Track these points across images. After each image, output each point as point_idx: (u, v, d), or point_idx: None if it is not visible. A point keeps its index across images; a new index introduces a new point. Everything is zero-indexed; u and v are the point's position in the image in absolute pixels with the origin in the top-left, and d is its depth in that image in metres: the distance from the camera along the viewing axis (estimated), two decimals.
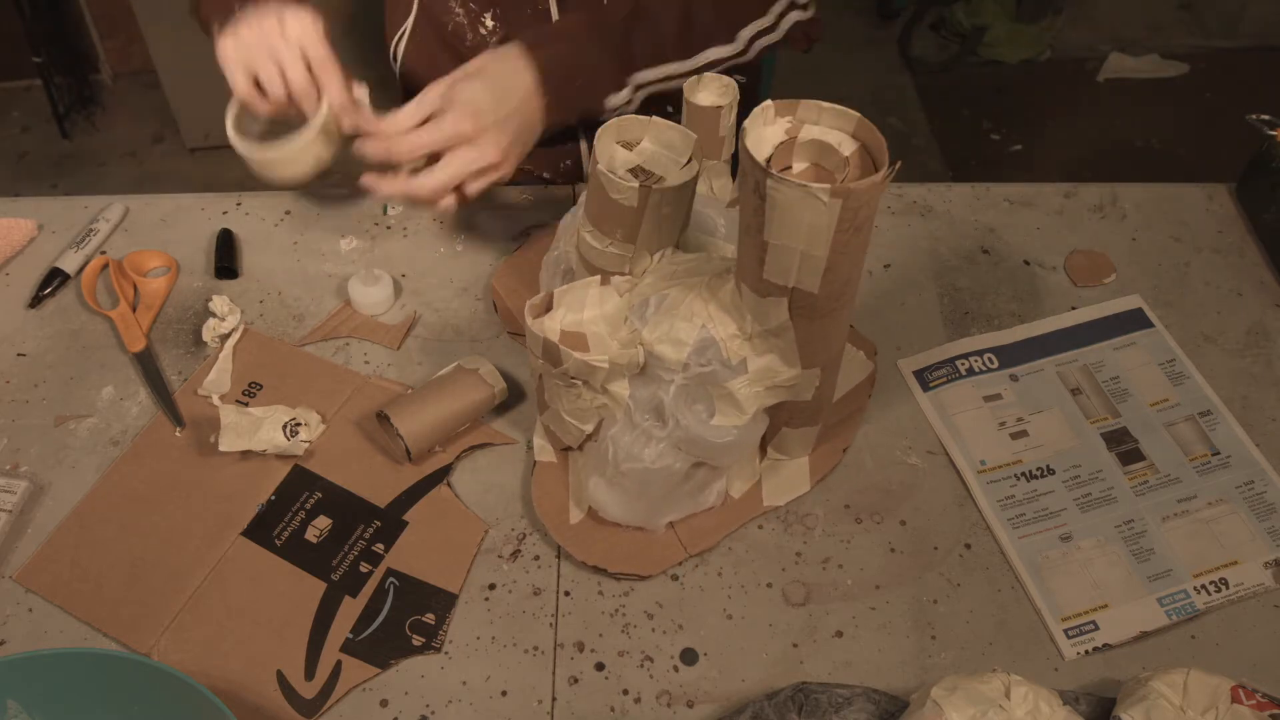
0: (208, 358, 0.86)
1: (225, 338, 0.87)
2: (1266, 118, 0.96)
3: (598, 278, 0.71)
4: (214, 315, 0.88)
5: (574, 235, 0.82)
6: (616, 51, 0.87)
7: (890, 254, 0.95)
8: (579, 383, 0.70)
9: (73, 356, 0.87)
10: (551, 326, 0.69)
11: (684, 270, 0.72)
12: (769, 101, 0.63)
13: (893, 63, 2.60)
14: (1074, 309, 0.92)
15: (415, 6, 1.02)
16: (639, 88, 0.90)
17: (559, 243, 0.85)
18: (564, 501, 0.77)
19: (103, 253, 0.95)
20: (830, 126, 0.63)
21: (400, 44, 1.05)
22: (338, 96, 0.82)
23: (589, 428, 0.73)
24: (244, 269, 0.94)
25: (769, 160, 0.61)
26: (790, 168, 0.63)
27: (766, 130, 0.63)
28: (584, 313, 0.70)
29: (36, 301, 0.91)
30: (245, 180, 0.94)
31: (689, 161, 0.70)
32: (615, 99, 0.89)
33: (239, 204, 0.99)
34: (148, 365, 0.86)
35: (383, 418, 0.79)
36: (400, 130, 0.81)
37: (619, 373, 0.70)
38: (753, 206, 0.60)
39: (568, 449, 0.79)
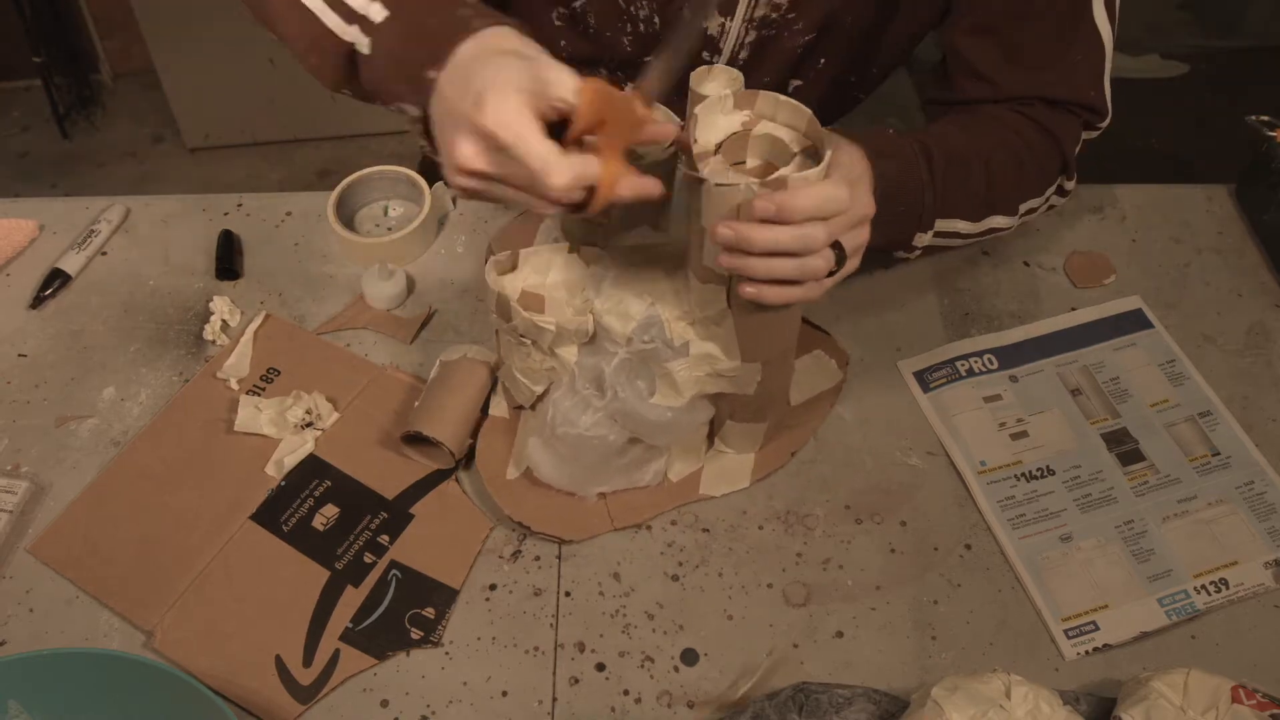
0: (220, 349, 0.87)
1: (225, 329, 0.88)
2: (1266, 118, 0.96)
3: (566, 245, 0.73)
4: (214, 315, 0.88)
5: None
6: (936, 188, 0.77)
7: (890, 255, 0.95)
8: (529, 342, 0.72)
9: (73, 357, 0.87)
10: (513, 285, 0.72)
11: (653, 251, 0.74)
12: (728, 91, 0.64)
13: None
14: (1074, 310, 0.92)
15: None
16: (937, 234, 0.80)
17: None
18: (505, 456, 0.79)
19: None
20: (784, 122, 0.64)
21: None
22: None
23: (539, 389, 0.75)
24: (245, 270, 0.94)
25: (719, 146, 0.63)
26: (744, 161, 0.65)
27: (721, 119, 0.64)
28: (548, 276, 0.73)
29: (37, 302, 0.91)
30: (245, 180, 0.94)
31: (671, 144, 0.70)
32: (921, 239, 0.79)
33: (240, 204, 0.99)
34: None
35: (410, 439, 0.79)
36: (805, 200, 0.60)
37: (568, 338, 0.72)
38: (691, 193, 0.62)
39: (519, 407, 0.80)
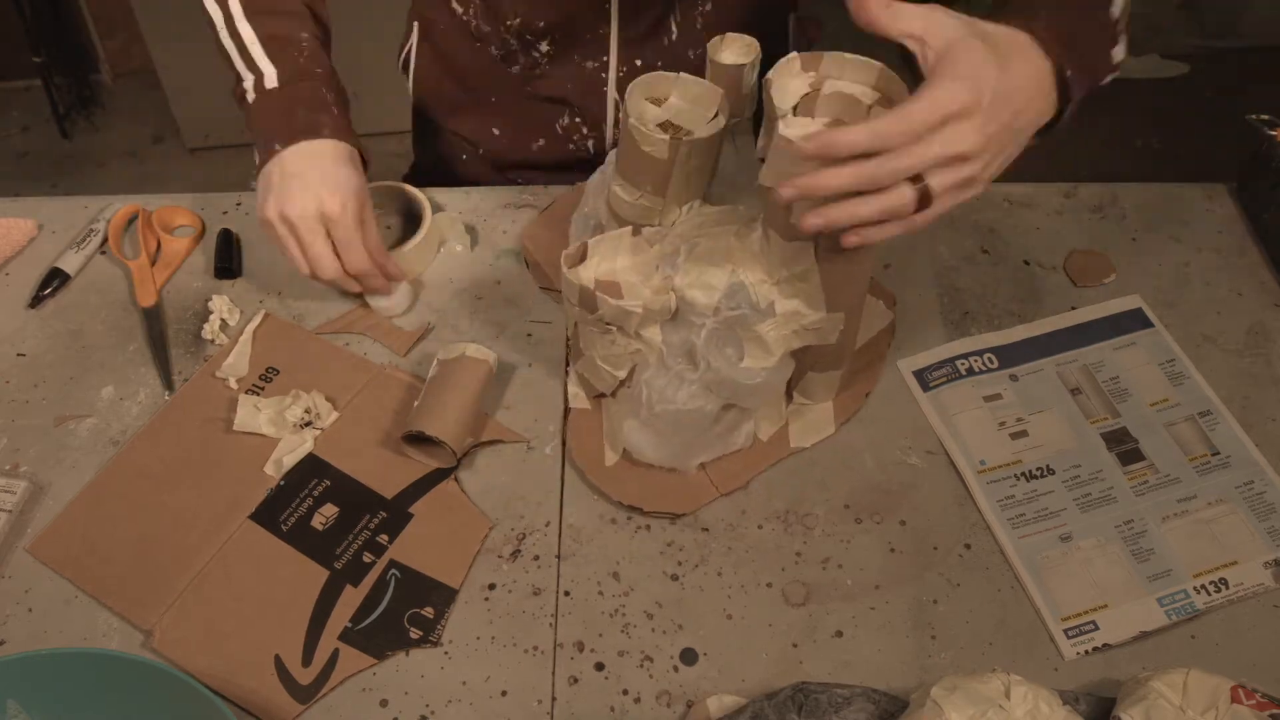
0: (219, 349, 0.87)
1: (224, 327, 0.88)
2: (1266, 118, 0.96)
3: (629, 229, 0.74)
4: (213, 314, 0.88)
5: (603, 193, 0.85)
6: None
7: (890, 254, 0.95)
8: (613, 329, 0.74)
9: (73, 356, 0.87)
10: (586, 275, 0.73)
11: (712, 221, 0.75)
12: (794, 54, 0.65)
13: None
14: (1074, 309, 0.92)
15: (415, 30, 1.02)
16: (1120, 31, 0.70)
17: (587, 200, 0.87)
18: (598, 445, 0.80)
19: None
20: (853, 80, 0.65)
21: (410, 62, 1.05)
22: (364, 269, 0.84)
23: (622, 374, 0.77)
24: (244, 269, 0.94)
25: (795, 109, 0.64)
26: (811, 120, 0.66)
27: (791, 82, 0.65)
28: (617, 262, 0.74)
29: (36, 301, 0.91)
30: (245, 180, 0.95)
31: (715, 116, 0.73)
32: (1118, 51, 0.69)
33: (239, 204, 0.99)
34: (154, 321, 0.88)
35: (411, 438, 0.79)
36: (914, 121, 0.56)
37: (652, 318, 0.73)
38: (776, 155, 0.62)
39: (600, 395, 0.81)
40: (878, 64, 0.64)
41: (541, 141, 1.03)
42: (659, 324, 0.74)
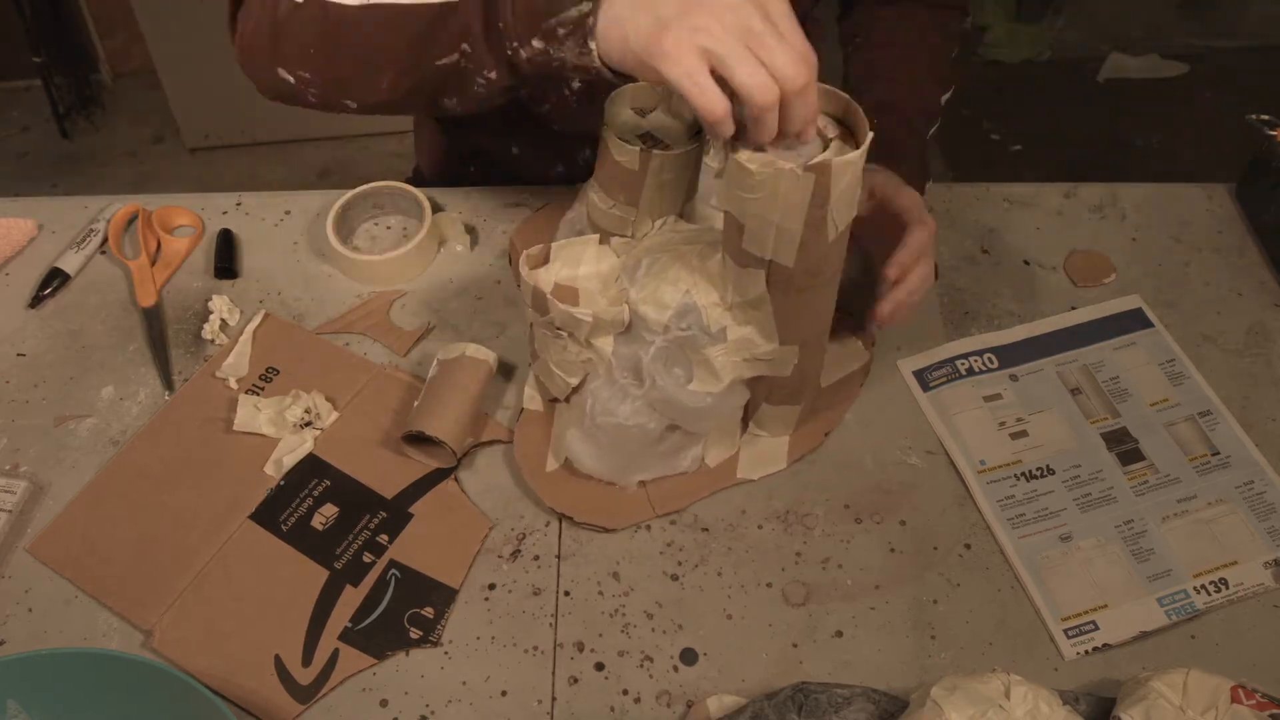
0: (219, 349, 0.87)
1: (225, 328, 0.88)
2: (1266, 118, 0.96)
3: (597, 236, 0.74)
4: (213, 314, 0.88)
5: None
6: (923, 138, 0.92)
7: None
8: (565, 334, 0.72)
9: (72, 356, 0.87)
10: (546, 278, 0.72)
11: (681, 238, 0.74)
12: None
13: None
14: (1074, 309, 0.92)
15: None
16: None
17: (578, 204, 0.86)
18: (544, 450, 0.79)
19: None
20: (820, 109, 0.64)
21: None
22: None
23: (574, 380, 0.75)
24: (244, 269, 0.94)
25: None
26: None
27: None
28: (579, 269, 0.73)
29: (36, 301, 0.91)
30: (244, 180, 0.95)
31: (698, 134, 0.73)
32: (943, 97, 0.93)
33: (239, 204, 0.99)
34: (154, 321, 0.88)
35: (411, 438, 0.79)
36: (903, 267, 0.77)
37: (604, 329, 0.72)
38: (731, 179, 0.62)
39: (554, 400, 0.80)
40: (844, 95, 0.63)
41: (561, 168, 1.02)
42: (612, 335, 0.73)
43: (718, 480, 0.79)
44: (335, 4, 0.67)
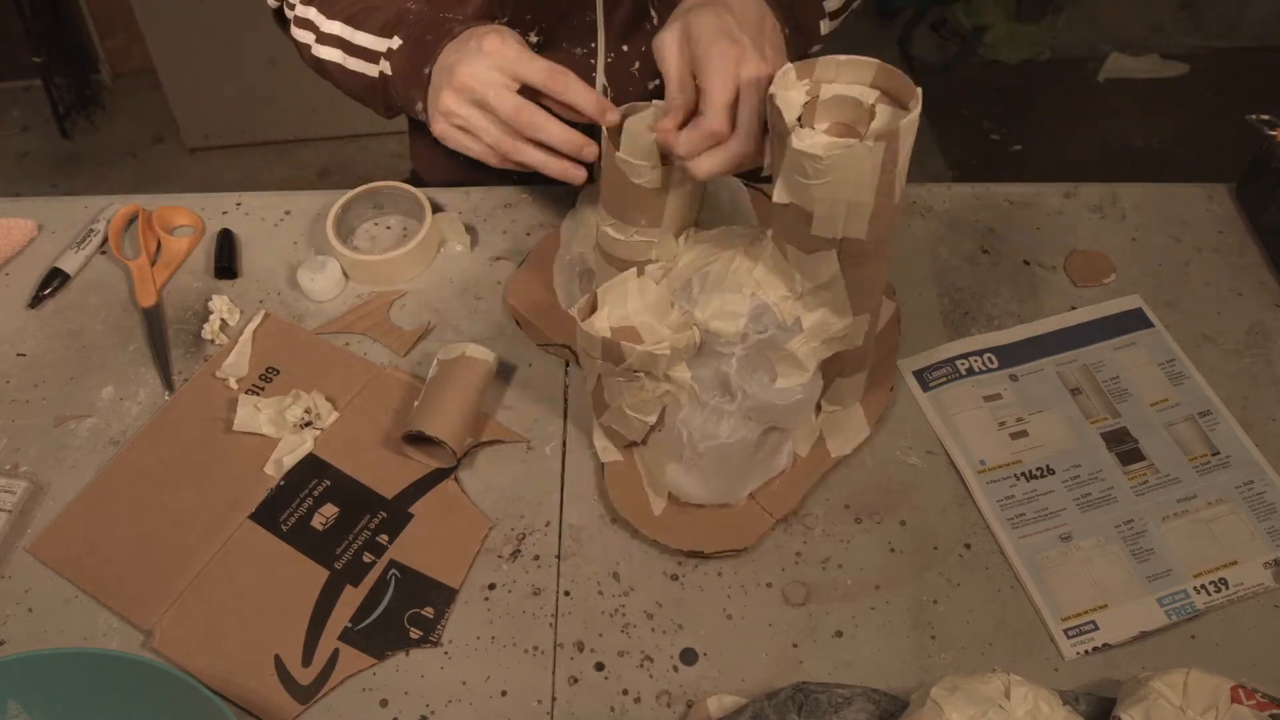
0: (219, 349, 0.87)
1: (225, 327, 0.88)
2: (1266, 118, 0.96)
3: (634, 270, 0.72)
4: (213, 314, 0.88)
5: (585, 237, 0.82)
6: None
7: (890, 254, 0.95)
8: (641, 375, 0.71)
9: (72, 356, 0.87)
10: (601, 325, 0.70)
11: (713, 246, 0.73)
12: (788, 65, 0.64)
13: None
14: (1074, 309, 0.92)
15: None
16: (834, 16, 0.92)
17: (569, 247, 0.85)
18: (642, 497, 0.77)
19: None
20: (851, 80, 0.64)
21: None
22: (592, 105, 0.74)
23: (652, 419, 0.74)
24: (243, 269, 0.94)
25: (799, 120, 0.64)
26: (813, 128, 0.65)
27: (790, 94, 0.64)
28: (628, 306, 0.71)
29: (36, 301, 0.91)
30: (245, 180, 0.95)
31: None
32: (825, 26, 0.92)
33: (239, 204, 0.99)
34: (154, 321, 0.88)
35: (411, 438, 0.79)
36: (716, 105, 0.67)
37: (678, 357, 0.71)
38: (790, 168, 0.62)
39: (631, 444, 0.79)
40: (874, 61, 0.63)
41: None
42: (685, 361, 0.72)
43: (816, 468, 0.79)
44: (308, 47, 0.89)
